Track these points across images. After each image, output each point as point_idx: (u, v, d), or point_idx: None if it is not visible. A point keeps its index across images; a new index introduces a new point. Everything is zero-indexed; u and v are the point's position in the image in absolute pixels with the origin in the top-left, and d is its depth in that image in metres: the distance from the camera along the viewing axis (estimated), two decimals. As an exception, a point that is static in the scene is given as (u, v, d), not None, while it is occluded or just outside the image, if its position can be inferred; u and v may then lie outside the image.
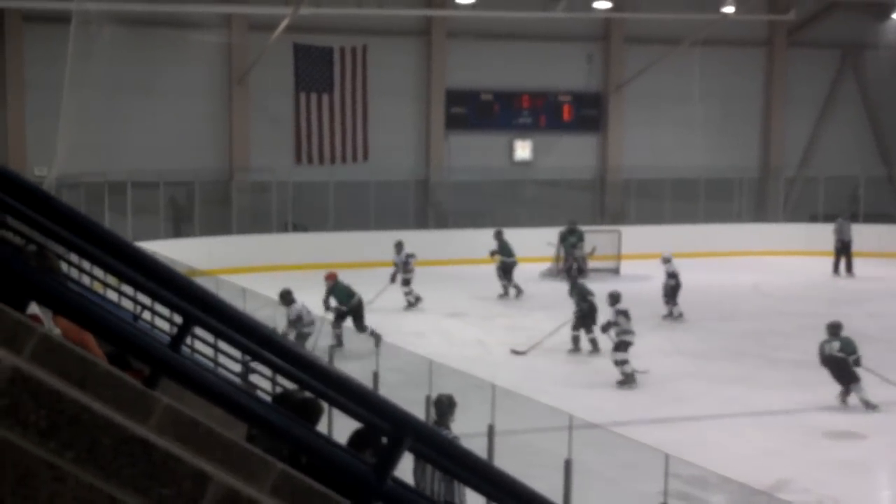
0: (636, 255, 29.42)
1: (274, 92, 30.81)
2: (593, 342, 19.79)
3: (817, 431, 15.36)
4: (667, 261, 24.49)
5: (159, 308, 10.46)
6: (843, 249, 30.18)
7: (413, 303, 24.34)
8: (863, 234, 32.88)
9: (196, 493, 2.27)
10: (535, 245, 29.73)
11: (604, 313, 19.31)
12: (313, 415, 6.37)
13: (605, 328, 18.79)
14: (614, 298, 18.94)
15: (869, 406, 16.56)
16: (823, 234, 33.13)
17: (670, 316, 23.58)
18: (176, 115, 29.98)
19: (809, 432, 15.31)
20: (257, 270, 26.41)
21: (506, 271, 26.10)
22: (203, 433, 3.95)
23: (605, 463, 11.10)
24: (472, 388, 12.48)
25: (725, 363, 19.49)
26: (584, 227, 29.87)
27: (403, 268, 24.84)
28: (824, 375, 18.46)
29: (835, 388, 17.44)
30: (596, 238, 29.75)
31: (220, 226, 29.92)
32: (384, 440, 2.69)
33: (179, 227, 30.06)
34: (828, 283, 28.03)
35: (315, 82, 31.34)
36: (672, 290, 23.95)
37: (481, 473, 2.67)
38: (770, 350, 20.54)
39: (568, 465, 10.21)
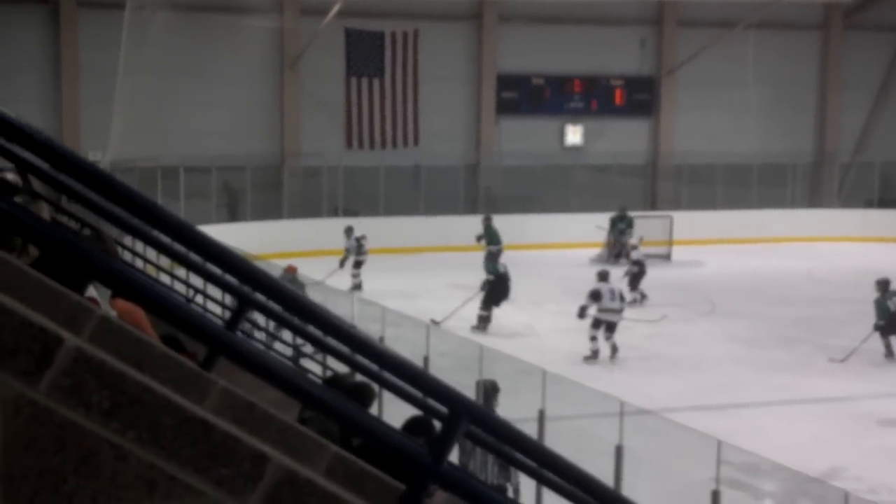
0: (688, 241, 29.29)
1: (325, 77, 30.89)
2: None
3: (870, 419, 15.22)
4: (634, 248, 24.60)
5: (211, 292, 10.57)
6: None
7: (356, 287, 23.95)
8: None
9: (255, 474, 2.30)
10: (586, 230, 29.66)
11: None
12: (366, 400, 6.40)
13: (579, 314, 18.89)
14: (601, 276, 19.66)
15: None
16: (879, 220, 32.83)
17: (635, 302, 22.68)
18: (228, 100, 30.15)
19: (862, 420, 15.18)
20: (308, 255, 26.52)
21: (492, 259, 25.40)
22: (259, 415, 4.00)
23: (656, 449, 11.07)
24: (522, 374, 12.48)
25: (777, 350, 19.36)
26: (635, 213, 29.79)
27: (357, 251, 25.11)
28: (879, 362, 18.33)
29: (890, 375, 17.34)
30: (647, 224, 29.60)
31: (271, 210, 30.11)
32: (438, 425, 2.71)
33: (234, 211, 30.26)
34: (882, 270, 27.64)
35: (366, 67, 31.40)
36: (635, 278, 23.69)
37: (537, 456, 2.68)
38: (822, 337, 20.36)
39: (619, 451, 10.19)
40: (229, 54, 30.10)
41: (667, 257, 29.49)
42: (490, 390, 10.53)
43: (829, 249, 31.00)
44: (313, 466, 2.69)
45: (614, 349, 18.49)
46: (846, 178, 35.84)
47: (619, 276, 22.33)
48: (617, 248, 29.03)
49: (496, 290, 21.14)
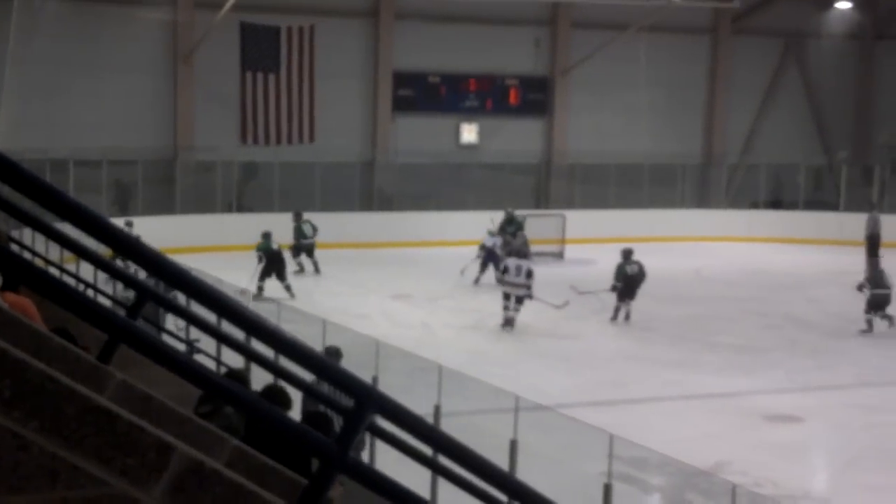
0: (580, 240, 29.59)
1: (219, 71, 30.52)
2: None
3: (755, 414, 15.56)
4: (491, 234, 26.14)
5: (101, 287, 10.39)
6: (873, 243, 29.78)
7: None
8: (803, 221, 33.40)
9: (160, 464, 2.27)
10: (479, 228, 29.78)
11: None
12: (281, 405, 6.31)
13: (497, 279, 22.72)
14: (516, 253, 22.75)
15: None
16: (764, 221, 33.61)
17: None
18: (120, 92, 29.62)
19: (747, 415, 15.51)
20: (201, 251, 26.21)
21: (308, 251, 26.17)
22: (157, 407, 3.97)
23: (550, 444, 11.20)
24: (418, 370, 12.51)
25: (666, 347, 19.67)
26: (529, 212, 30.07)
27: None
28: (763, 359, 18.79)
29: (776, 372, 17.77)
30: (540, 222, 29.87)
31: (164, 205, 29.68)
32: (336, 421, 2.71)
33: (125, 206, 29.71)
34: (768, 269, 28.36)
35: (261, 62, 31.09)
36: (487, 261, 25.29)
37: (444, 447, 2.70)
38: (711, 335, 20.76)
39: (513, 446, 10.28)
40: (122, 46, 29.58)
41: (559, 255, 29.80)
42: (333, 356, 10.54)
43: (717, 249, 31.63)
44: (214, 459, 2.68)
45: (512, 321, 20.49)
46: (733, 179, 36.59)
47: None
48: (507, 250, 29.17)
49: (269, 266, 23.54)
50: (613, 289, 21.80)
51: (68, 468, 2.18)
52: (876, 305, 21.40)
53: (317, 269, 26.01)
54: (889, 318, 21.33)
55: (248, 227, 26.47)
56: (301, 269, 25.90)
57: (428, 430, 2.68)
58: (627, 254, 22.30)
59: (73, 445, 2.20)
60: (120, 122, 29.50)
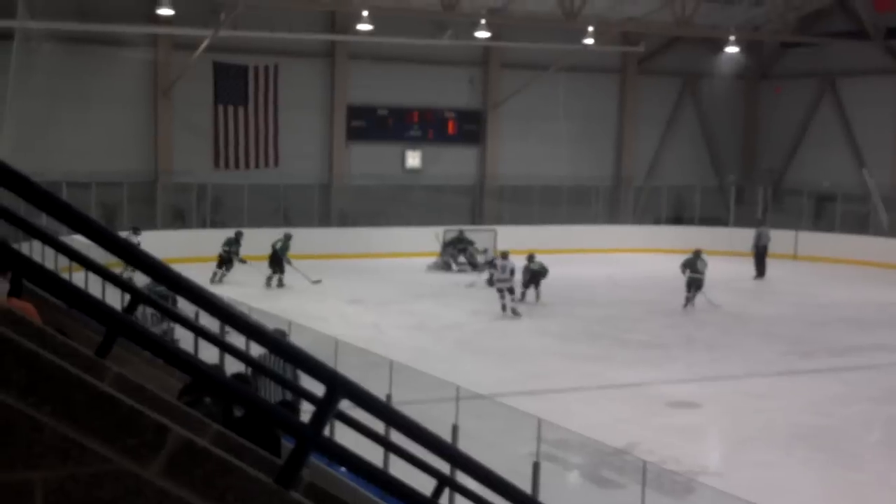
0: (510, 251, 29.60)
1: (195, 104, 30.27)
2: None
3: (660, 401, 15.63)
4: (531, 258, 25.14)
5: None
6: (760, 254, 29.97)
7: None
8: (697, 236, 33.73)
9: (157, 443, 2.26)
10: (423, 242, 29.88)
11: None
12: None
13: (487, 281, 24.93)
14: (502, 255, 23.81)
15: None
16: (665, 235, 33.96)
17: (523, 298, 23.97)
18: (107, 122, 29.30)
19: (654, 402, 15.57)
20: (180, 261, 25.92)
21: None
22: (149, 396, 3.93)
23: (486, 428, 11.19)
24: (372, 365, 12.46)
25: (584, 344, 19.75)
26: (465, 227, 30.27)
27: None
28: (666, 354, 18.96)
29: (677, 365, 17.96)
30: (475, 236, 29.99)
31: (146, 222, 29.34)
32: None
33: (111, 222, 29.31)
34: (669, 276, 28.61)
35: (232, 96, 30.90)
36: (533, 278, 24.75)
37: (404, 428, 2.71)
38: (622, 332, 20.90)
39: (454, 430, 10.28)
40: (108, 82, 29.25)
41: (492, 265, 29.80)
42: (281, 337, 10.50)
43: (626, 259, 31.87)
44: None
45: (513, 310, 22.44)
46: (639, 198, 36.90)
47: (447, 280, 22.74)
48: (449, 262, 29.33)
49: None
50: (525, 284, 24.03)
51: (77, 447, 2.16)
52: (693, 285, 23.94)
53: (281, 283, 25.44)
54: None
55: (220, 240, 26.26)
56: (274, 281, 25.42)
57: (389, 411, 2.69)
58: (531, 257, 24.46)
59: (82, 427, 2.18)
60: (106, 148, 29.17)
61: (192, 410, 4.13)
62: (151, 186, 30.21)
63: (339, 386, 2.46)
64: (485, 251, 28.95)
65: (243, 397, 2.41)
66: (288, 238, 25.79)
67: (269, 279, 25.22)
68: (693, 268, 24.17)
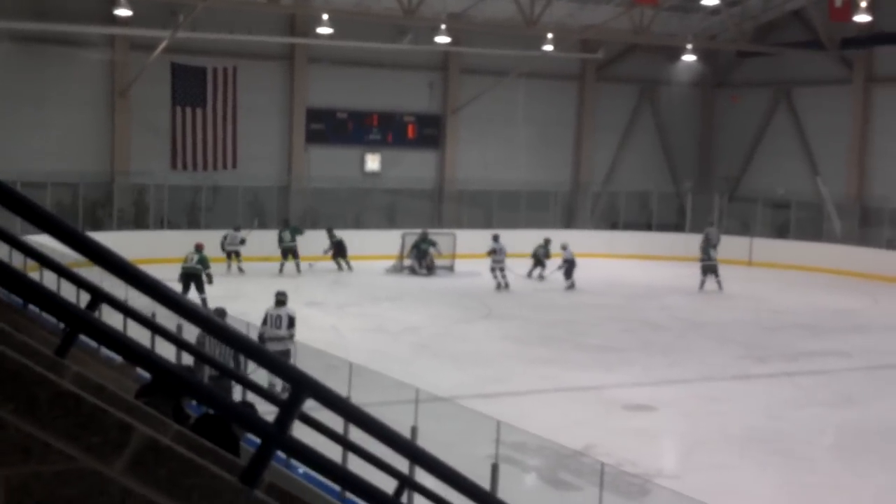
0: (469, 255, 29.72)
1: (153, 105, 30.01)
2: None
3: (617, 404, 15.73)
4: (564, 248, 27.56)
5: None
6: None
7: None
8: (653, 241, 34.06)
9: (121, 441, 2.24)
10: (382, 245, 29.84)
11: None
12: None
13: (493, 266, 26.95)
14: (494, 238, 27.11)
15: None
16: (622, 240, 34.19)
17: (572, 288, 26.91)
18: (63, 123, 29.00)
19: (610, 405, 15.66)
20: (138, 262, 25.66)
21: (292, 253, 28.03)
22: (108, 396, 3.90)
23: (444, 430, 11.18)
24: (331, 368, 12.42)
25: (541, 347, 19.82)
26: (422, 231, 30.21)
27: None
28: (622, 357, 19.09)
29: (633, 368, 18.08)
30: (436, 239, 29.99)
31: (102, 223, 29.08)
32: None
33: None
34: (625, 281, 28.85)
35: (190, 98, 30.68)
36: (567, 271, 27.30)
37: (368, 427, 2.71)
38: (578, 336, 21.01)
39: (413, 432, 10.27)
40: (66, 82, 28.95)
41: (450, 269, 29.91)
42: (221, 316, 10.41)
43: (582, 263, 31.94)
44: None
45: (506, 284, 26.39)
46: (597, 204, 37.13)
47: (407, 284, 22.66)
48: (425, 262, 29.33)
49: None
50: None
51: (40, 445, 2.14)
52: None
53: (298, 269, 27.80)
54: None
55: (178, 242, 25.97)
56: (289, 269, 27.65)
57: (354, 411, 2.69)
58: (547, 242, 28.26)
59: (45, 425, 2.16)
60: (63, 149, 28.87)
61: (152, 411, 4.12)
62: (108, 187, 29.92)
63: (304, 386, 2.46)
64: (545, 244, 29.36)
65: (213, 398, 2.40)
66: (289, 226, 28.42)
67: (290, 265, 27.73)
68: (705, 253, 27.65)
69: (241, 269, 27.39)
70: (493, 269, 26.85)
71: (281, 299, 15.43)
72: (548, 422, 13.99)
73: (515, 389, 16.35)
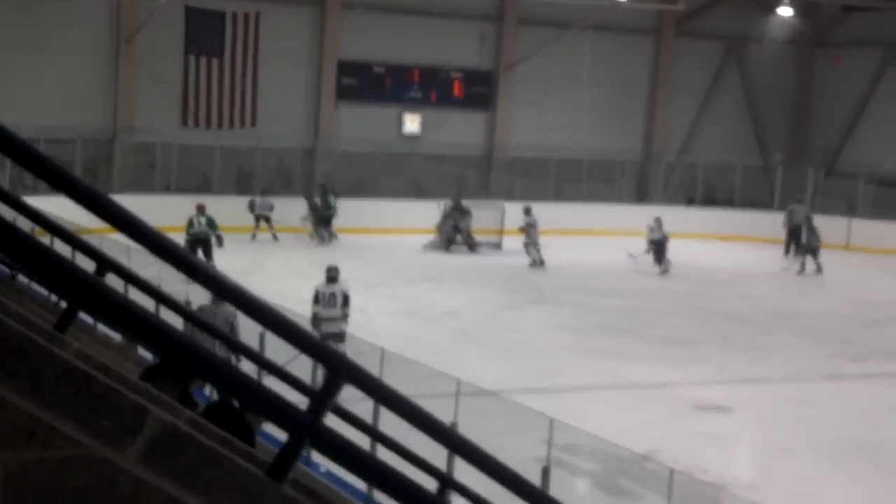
0: (519, 231, 29.60)
1: (162, 53, 30.24)
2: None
3: (685, 404, 15.73)
4: (652, 229, 27.43)
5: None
6: (794, 233, 30.63)
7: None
8: (738, 220, 33.85)
9: (135, 426, 2.27)
10: (420, 217, 29.83)
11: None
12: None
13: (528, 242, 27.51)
14: (526, 211, 27.65)
15: None
16: (699, 218, 33.98)
17: (666, 272, 27.04)
18: (61, 71, 29.26)
19: (678, 405, 15.66)
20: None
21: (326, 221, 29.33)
22: (115, 376, 3.95)
23: (488, 428, 11.22)
24: (359, 355, 12.51)
25: (601, 338, 19.83)
26: (469, 202, 30.16)
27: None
28: (695, 352, 19.04)
29: (707, 365, 18.05)
30: (480, 214, 29.86)
31: (102, 185, 29.30)
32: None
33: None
34: (702, 265, 28.68)
35: (205, 46, 30.85)
36: (658, 252, 27.32)
37: (410, 415, 2.74)
38: (644, 326, 20.98)
39: (453, 429, 10.32)
40: (64, 25, 29.19)
41: (498, 246, 29.90)
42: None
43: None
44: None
45: (541, 261, 27.03)
46: (671, 176, 36.94)
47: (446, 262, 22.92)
48: (450, 235, 29.34)
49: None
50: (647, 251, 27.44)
51: (45, 428, 2.17)
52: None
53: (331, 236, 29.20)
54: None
55: (186, 208, 26.05)
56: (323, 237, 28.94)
57: (396, 398, 2.71)
58: (655, 226, 27.61)
59: (50, 406, 2.19)
60: (60, 100, 29.14)
61: (164, 395, 4.17)
62: (109, 145, 30.20)
63: (343, 370, 2.48)
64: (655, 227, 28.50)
65: (240, 381, 2.43)
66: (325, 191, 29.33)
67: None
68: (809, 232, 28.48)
69: (275, 237, 28.72)
70: (526, 246, 27.36)
71: (333, 275, 15.93)
72: (606, 422, 13.98)
73: (570, 385, 16.41)
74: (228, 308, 14.34)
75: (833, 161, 36.91)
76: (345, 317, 15.52)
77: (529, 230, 27.38)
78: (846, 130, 37.09)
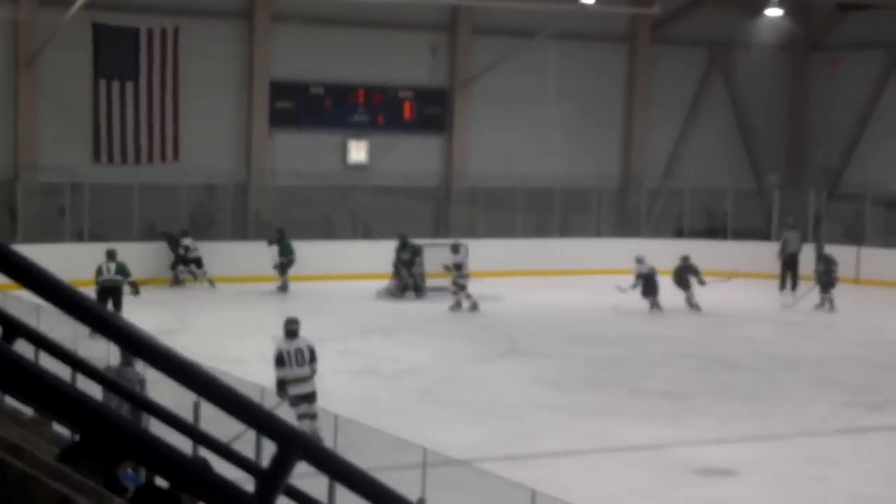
0: (485, 273, 29.61)
1: (68, 78, 30.14)
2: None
3: (684, 468, 15.68)
4: (640, 262, 27.57)
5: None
6: (790, 264, 31.00)
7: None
8: (729, 252, 33.98)
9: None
10: (371, 260, 29.80)
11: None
12: None
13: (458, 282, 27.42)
14: (454, 248, 27.64)
15: None
16: (688, 251, 34.05)
17: (657, 308, 27.69)
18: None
19: (676, 469, 15.60)
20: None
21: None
22: (29, 460, 3.90)
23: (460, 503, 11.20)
24: (306, 420, 12.42)
25: (585, 393, 19.78)
26: (426, 241, 30.10)
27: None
28: (692, 406, 19.04)
29: (706, 420, 18.06)
30: (438, 253, 29.78)
31: (3, 233, 29.10)
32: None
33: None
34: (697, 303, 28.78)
35: (117, 68, 30.78)
36: (646, 288, 27.67)
37: (379, 497, 2.70)
38: (633, 379, 20.95)
39: (421, 506, 10.28)
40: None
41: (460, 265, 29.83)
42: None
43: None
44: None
45: (474, 305, 27.03)
46: (654, 205, 37.09)
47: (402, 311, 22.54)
48: (404, 280, 29.24)
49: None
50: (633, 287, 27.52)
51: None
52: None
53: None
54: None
55: (99, 257, 25.86)
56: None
57: (354, 473, 2.68)
58: (640, 260, 27.78)
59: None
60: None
61: (85, 479, 4.12)
62: (9, 187, 29.99)
63: (296, 444, 2.45)
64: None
65: (176, 463, 2.39)
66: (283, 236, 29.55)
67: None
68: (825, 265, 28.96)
69: (211, 283, 29.13)
70: (456, 289, 27.38)
71: (293, 328, 15.83)
72: (595, 491, 13.99)
73: (550, 449, 16.32)
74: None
75: (836, 182, 37.26)
76: (313, 373, 15.43)
77: (459, 270, 27.35)
78: (849, 145, 37.51)
